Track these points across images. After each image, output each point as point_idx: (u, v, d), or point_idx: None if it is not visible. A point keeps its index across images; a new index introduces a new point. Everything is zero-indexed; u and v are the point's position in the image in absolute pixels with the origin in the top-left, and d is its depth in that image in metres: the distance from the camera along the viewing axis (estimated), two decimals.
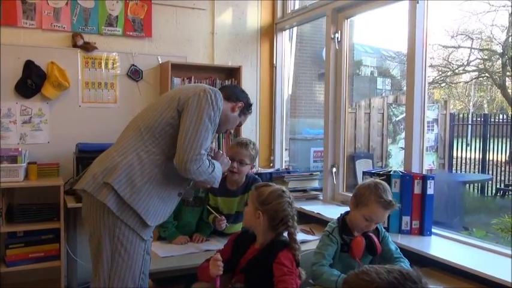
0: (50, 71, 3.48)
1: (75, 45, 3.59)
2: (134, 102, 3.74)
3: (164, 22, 3.89)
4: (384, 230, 2.25)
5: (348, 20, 3.48)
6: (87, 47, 3.61)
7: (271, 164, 4.34)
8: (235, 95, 2.28)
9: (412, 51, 2.79)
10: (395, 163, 6.90)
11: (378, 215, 2.08)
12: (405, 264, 2.09)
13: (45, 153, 3.48)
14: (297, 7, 4.17)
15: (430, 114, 7.40)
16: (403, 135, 7.10)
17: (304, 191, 3.69)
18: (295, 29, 4.40)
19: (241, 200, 2.76)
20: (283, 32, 4.31)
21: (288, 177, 3.66)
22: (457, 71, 12.60)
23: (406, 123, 2.87)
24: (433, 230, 2.61)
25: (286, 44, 4.37)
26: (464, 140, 8.11)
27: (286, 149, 4.50)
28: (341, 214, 2.24)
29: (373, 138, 6.95)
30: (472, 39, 11.95)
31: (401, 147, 7.02)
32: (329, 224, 2.25)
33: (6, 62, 3.39)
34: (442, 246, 2.47)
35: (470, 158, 7.89)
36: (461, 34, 11.91)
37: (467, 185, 7.26)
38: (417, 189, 2.59)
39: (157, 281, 2.64)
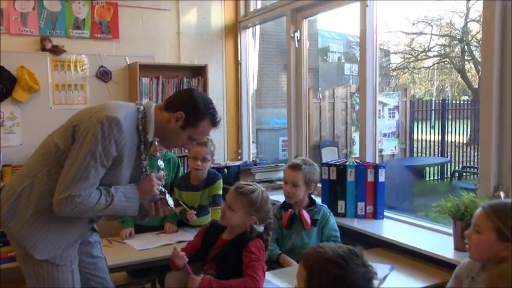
0: (20, 74, 3.58)
1: (43, 49, 3.68)
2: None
3: (130, 23, 4.01)
4: (327, 211, 2.63)
5: (307, 19, 3.70)
6: (56, 50, 3.71)
7: (239, 157, 4.54)
8: (176, 104, 1.94)
9: (363, 47, 3.04)
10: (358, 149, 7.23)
11: (287, 175, 2.61)
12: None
13: (19, 155, 3.56)
14: (259, 6, 4.36)
15: (391, 102, 7.74)
16: None
17: (271, 181, 3.91)
18: (258, 26, 4.59)
19: (203, 194, 3.03)
20: (247, 29, 4.50)
21: (255, 169, 3.89)
22: (419, 57, 13.06)
23: (360, 115, 3.13)
24: (385, 214, 2.89)
25: (250, 41, 4.55)
26: (427, 124, 8.49)
27: (253, 142, 4.71)
28: None
29: (338, 127, 7.24)
30: (431, 26, 12.36)
31: None
32: None
33: None
34: (392, 227, 2.75)
35: (431, 141, 8.30)
36: (422, 21, 12.33)
37: (427, 168, 7.65)
38: (370, 178, 2.85)
39: (134, 272, 2.84)
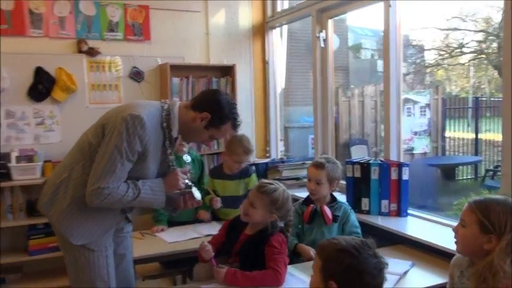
0: (59, 75, 3.77)
1: (80, 51, 3.87)
2: None
3: (161, 25, 4.16)
4: (347, 208, 2.69)
5: (332, 19, 3.75)
6: (92, 52, 3.89)
7: (267, 155, 4.63)
8: (202, 105, 2.05)
9: (386, 46, 3.07)
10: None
11: (310, 173, 2.68)
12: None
13: (58, 151, 3.75)
14: (286, 7, 4.43)
15: (423, 100, 7.66)
16: None
17: (297, 178, 3.99)
18: (285, 25, 4.66)
19: (237, 184, 3.16)
20: (274, 29, 4.58)
21: (282, 167, 3.98)
22: (453, 53, 12.80)
23: (384, 114, 3.16)
24: (409, 212, 2.91)
25: (277, 40, 4.63)
26: (460, 122, 8.35)
27: (281, 140, 4.79)
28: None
29: (367, 125, 7.23)
30: (466, 21, 12.09)
31: None
32: None
33: (18, 69, 3.67)
34: (415, 225, 2.77)
35: (464, 140, 8.15)
36: (456, 17, 12.09)
37: (460, 167, 7.53)
38: (394, 176, 2.89)
39: (166, 263, 2.98)
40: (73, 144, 2.13)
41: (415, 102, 7.57)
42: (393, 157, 3.10)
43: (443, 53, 12.85)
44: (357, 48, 15.85)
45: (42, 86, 3.74)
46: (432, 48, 13.22)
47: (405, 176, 2.87)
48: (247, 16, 4.52)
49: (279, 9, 4.47)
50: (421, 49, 13.88)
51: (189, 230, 2.96)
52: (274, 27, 4.56)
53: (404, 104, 7.23)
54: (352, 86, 9.42)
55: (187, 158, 2.58)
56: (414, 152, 7.42)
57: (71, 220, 2.00)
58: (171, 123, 2.02)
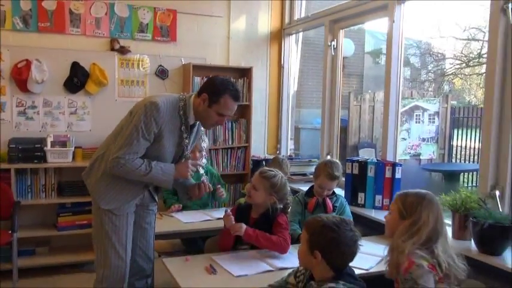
0: (92, 70, 4.18)
1: (112, 49, 4.27)
2: None
3: (187, 28, 4.54)
4: (343, 200, 3.03)
5: (343, 30, 4.09)
6: (123, 50, 4.29)
7: (278, 152, 4.98)
8: (201, 89, 2.40)
9: (389, 59, 3.41)
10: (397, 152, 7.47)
11: (326, 184, 2.90)
12: None
13: (88, 139, 4.17)
14: (303, 15, 4.78)
15: (432, 107, 7.91)
16: (404, 126, 7.66)
17: (304, 174, 4.33)
18: (301, 33, 5.01)
19: None
20: (290, 36, 4.93)
21: (290, 163, 4.30)
22: (470, 63, 12.95)
23: (383, 118, 3.49)
24: None
25: (293, 46, 4.98)
26: (468, 131, 8.57)
27: (291, 139, 5.14)
28: (312, 185, 3.05)
29: (377, 129, 7.52)
30: (484, 32, 12.25)
31: (402, 138, 7.58)
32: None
33: (56, 63, 4.09)
34: None
35: (471, 148, 8.39)
36: (473, 28, 12.25)
37: (465, 174, 7.77)
38: (388, 174, 3.21)
39: (184, 240, 3.37)
40: (103, 133, 2.64)
41: (424, 110, 7.82)
42: (390, 157, 3.42)
43: (460, 62, 13.02)
44: (377, 53, 16.02)
45: (77, 79, 4.14)
46: (449, 58, 13.38)
47: (398, 175, 3.19)
48: (266, 23, 4.88)
49: (295, 17, 4.82)
50: (438, 58, 14.05)
51: (200, 213, 3.31)
52: (291, 34, 4.91)
53: (414, 111, 7.52)
54: (369, 91, 9.67)
55: (202, 172, 3.09)
56: (421, 157, 7.69)
57: (101, 188, 2.41)
58: (187, 111, 2.38)
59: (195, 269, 2.27)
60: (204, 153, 3.44)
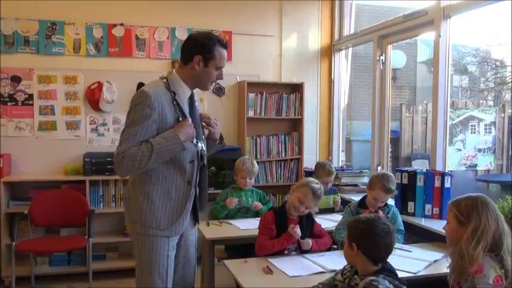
0: None
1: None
2: (219, 113, 4.65)
3: (241, 47, 4.83)
4: (395, 210, 3.13)
5: (391, 45, 4.23)
6: None
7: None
8: (188, 54, 2.23)
9: (436, 71, 3.52)
10: (452, 163, 7.35)
11: (381, 197, 2.98)
12: (399, 236, 2.95)
13: None
14: (352, 31, 4.95)
15: (488, 117, 7.77)
16: (459, 137, 7.56)
17: (355, 185, 4.47)
18: (350, 48, 5.17)
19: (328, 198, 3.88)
20: (340, 51, 5.11)
21: (342, 174, 4.48)
22: None
23: (432, 129, 3.59)
24: None
25: (342, 61, 5.16)
26: None
27: (342, 150, 5.28)
28: (364, 195, 3.15)
29: (430, 141, 7.45)
30: None
31: (457, 149, 7.48)
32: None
33: (124, 84, 4.48)
34: None
35: None
36: None
37: None
38: (437, 183, 3.31)
39: (227, 247, 3.59)
40: None
41: (480, 120, 7.70)
42: (439, 168, 3.51)
43: None
44: (431, 63, 15.65)
45: None
46: (509, 65, 12.93)
47: (447, 184, 3.28)
48: (316, 40, 5.09)
49: (344, 33, 5.00)
50: (496, 65, 13.61)
51: (255, 220, 3.43)
52: (341, 50, 5.09)
53: (469, 121, 7.41)
54: (424, 101, 9.58)
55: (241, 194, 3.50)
56: (477, 168, 7.55)
57: (140, 210, 2.26)
58: (176, 86, 2.25)
59: (253, 270, 2.49)
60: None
